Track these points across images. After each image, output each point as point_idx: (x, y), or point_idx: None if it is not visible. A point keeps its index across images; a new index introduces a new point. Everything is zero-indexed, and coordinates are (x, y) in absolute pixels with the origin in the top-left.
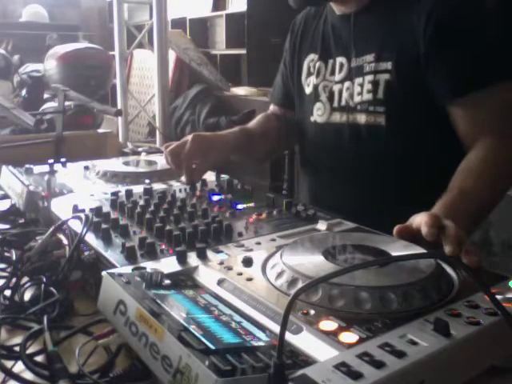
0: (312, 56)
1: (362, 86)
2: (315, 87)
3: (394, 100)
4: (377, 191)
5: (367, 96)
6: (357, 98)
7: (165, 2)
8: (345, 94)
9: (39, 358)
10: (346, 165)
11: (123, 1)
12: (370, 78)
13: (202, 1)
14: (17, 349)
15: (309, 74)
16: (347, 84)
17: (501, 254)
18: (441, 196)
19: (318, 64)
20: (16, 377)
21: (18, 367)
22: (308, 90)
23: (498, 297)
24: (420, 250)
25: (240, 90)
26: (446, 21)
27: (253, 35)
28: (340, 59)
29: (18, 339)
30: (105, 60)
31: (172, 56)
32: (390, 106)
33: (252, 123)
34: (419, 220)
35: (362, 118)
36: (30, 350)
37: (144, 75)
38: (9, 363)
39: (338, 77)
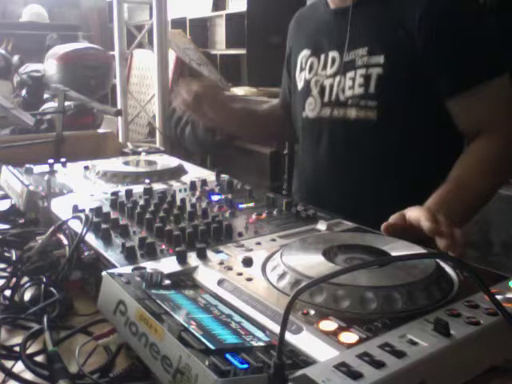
0: (305, 52)
1: (353, 79)
2: (307, 82)
3: (386, 94)
4: (368, 187)
5: (359, 90)
6: (348, 92)
7: (165, 2)
8: (336, 89)
9: (39, 358)
10: (336, 160)
11: (123, 1)
12: (361, 71)
13: (202, 1)
14: (17, 349)
15: (301, 69)
16: (338, 78)
17: (501, 254)
18: (432, 190)
19: (310, 59)
20: (16, 377)
21: (18, 367)
22: (300, 85)
23: (498, 297)
24: (420, 250)
25: (240, 90)
26: (443, 17)
27: (253, 35)
28: (332, 53)
29: (18, 339)
30: (105, 60)
31: (172, 56)
32: (382, 100)
33: (258, 105)
34: (416, 215)
35: (352, 113)
36: (30, 350)
37: (144, 75)
38: (9, 363)
39: (329, 71)
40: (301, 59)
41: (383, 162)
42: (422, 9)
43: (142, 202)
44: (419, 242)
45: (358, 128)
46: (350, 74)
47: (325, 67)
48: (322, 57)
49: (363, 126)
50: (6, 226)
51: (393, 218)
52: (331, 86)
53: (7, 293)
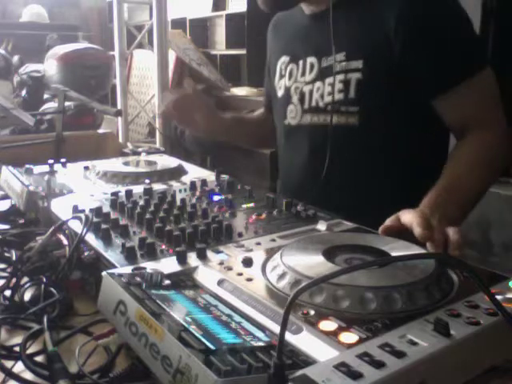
0: (283, 58)
1: (332, 85)
2: (287, 89)
3: (367, 99)
4: (354, 190)
5: (338, 96)
6: (327, 98)
7: (165, 2)
8: (315, 95)
9: (39, 358)
10: (320, 165)
11: (123, 1)
12: (340, 77)
13: (202, 1)
14: (17, 349)
15: (280, 76)
16: (318, 84)
17: (501, 254)
18: (420, 191)
19: (290, 66)
20: (16, 377)
21: (18, 367)
22: (280, 92)
23: (498, 297)
24: (420, 251)
25: (240, 90)
26: (419, 17)
27: (253, 35)
28: (310, 59)
29: (18, 339)
30: (105, 60)
31: (172, 56)
32: (363, 105)
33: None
34: (409, 220)
35: (333, 119)
36: (30, 350)
37: (144, 75)
38: (9, 363)
39: (308, 77)
40: (280, 66)
41: (367, 165)
42: (397, 10)
43: (141, 203)
44: (418, 241)
45: (340, 133)
46: (328, 80)
47: (303, 74)
48: (301, 63)
49: (345, 132)
50: (6, 226)
51: (389, 220)
52: (311, 93)
53: (7, 293)
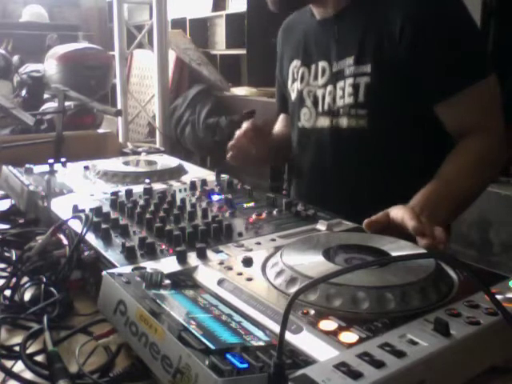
0: (295, 62)
1: (343, 89)
2: (300, 92)
3: (376, 102)
4: (363, 193)
5: (349, 100)
6: (339, 102)
7: (165, 2)
8: (328, 98)
9: (39, 358)
10: (332, 168)
11: (123, 1)
12: (350, 81)
13: (202, 1)
14: (17, 349)
15: (293, 80)
16: (330, 88)
17: (501, 254)
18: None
19: (301, 69)
20: (16, 377)
21: (18, 367)
22: (293, 95)
23: (498, 297)
24: (420, 250)
25: (240, 90)
26: (423, 21)
27: (253, 35)
28: (322, 64)
29: (18, 339)
30: (105, 60)
31: (172, 56)
32: (372, 108)
33: (280, 128)
34: (400, 215)
35: (344, 122)
36: (29, 350)
37: (144, 75)
38: (9, 363)
39: (320, 81)
40: (292, 70)
41: (376, 167)
42: (402, 12)
43: (142, 202)
44: (405, 237)
45: (351, 136)
46: (340, 84)
47: (316, 77)
48: (313, 67)
49: (356, 134)
50: (6, 226)
51: (376, 216)
52: (323, 96)
53: (7, 293)
